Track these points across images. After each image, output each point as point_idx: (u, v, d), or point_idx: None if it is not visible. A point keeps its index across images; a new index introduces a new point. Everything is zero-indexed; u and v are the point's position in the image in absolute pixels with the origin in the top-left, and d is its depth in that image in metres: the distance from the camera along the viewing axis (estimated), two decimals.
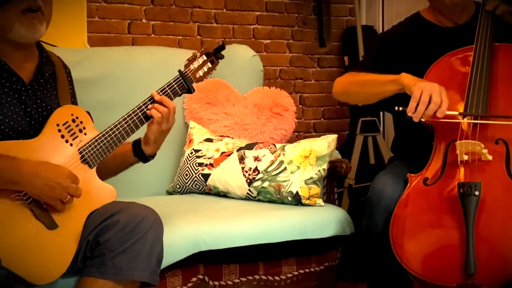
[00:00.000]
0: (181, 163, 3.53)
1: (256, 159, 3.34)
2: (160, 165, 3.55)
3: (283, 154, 3.32)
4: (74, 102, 2.94)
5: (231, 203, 3.33)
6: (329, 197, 3.42)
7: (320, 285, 3.25)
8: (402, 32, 3.35)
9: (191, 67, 2.83)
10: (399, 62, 3.11)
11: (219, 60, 2.90)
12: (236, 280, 3.02)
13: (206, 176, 3.40)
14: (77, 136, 2.65)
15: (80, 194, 2.50)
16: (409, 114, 2.81)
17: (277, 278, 3.11)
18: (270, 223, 3.07)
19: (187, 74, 2.79)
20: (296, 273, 3.14)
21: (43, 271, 2.47)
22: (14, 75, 2.58)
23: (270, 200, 3.28)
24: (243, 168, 3.34)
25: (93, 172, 2.64)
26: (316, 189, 3.22)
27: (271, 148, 3.39)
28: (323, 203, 3.25)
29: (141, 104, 2.69)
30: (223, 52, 2.92)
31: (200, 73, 2.84)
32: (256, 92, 3.78)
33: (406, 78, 2.92)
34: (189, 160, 3.48)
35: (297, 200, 3.21)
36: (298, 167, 3.25)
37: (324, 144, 3.28)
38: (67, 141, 2.62)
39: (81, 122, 2.68)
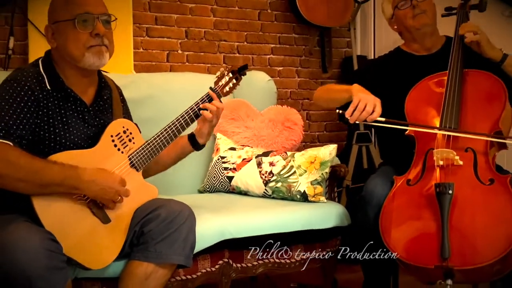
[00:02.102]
0: (210, 168, 3.50)
1: (271, 164, 3.30)
2: (193, 169, 3.60)
3: (293, 160, 3.28)
4: (126, 117, 2.92)
5: (250, 200, 3.28)
6: (330, 195, 3.39)
7: (323, 267, 3.21)
8: (385, 61, 3.36)
9: (220, 83, 2.81)
10: (381, 85, 3.09)
11: (242, 77, 2.88)
12: (255, 263, 3.00)
13: (230, 178, 3.37)
14: (127, 145, 2.64)
15: (128, 195, 2.50)
16: (347, 116, 2.82)
17: (288, 261, 3.09)
18: (282, 216, 3.05)
19: (217, 90, 2.76)
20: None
21: (98, 258, 2.49)
22: (79, 99, 2.56)
23: (282, 197, 3.24)
24: (260, 171, 3.31)
25: (139, 174, 2.64)
26: (319, 189, 3.19)
27: (283, 155, 3.34)
28: (325, 200, 3.22)
29: (179, 117, 2.70)
30: (244, 71, 2.89)
31: (227, 88, 2.82)
32: (271, 110, 3.76)
33: (354, 88, 2.94)
34: (216, 165, 3.44)
35: (304, 198, 3.17)
36: (305, 171, 3.21)
37: (326, 152, 3.25)
38: (119, 149, 2.61)
39: (131, 133, 2.67)
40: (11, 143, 2.37)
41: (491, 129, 2.74)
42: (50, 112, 2.47)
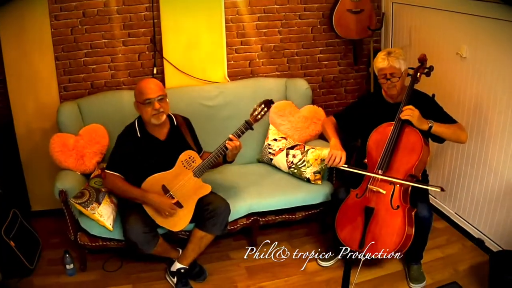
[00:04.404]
0: (263, 148, 4.00)
1: (293, 156, 3.77)
2: (255, 145, 4.08)
3: (306, 156, 3.71)
4: (195, 139, 3.37)
5: (278, 177, 3.75)
6: (330, 177, 3.80)
7: (316, 220, 3.80)
8: (369, 96, 3.58)
9: (253, 114, 3.13)
10: (362, 118, 3.33)
11: (271, 105, 3.16)
12: (274, 217, 3.60)
13: (271, 159, 3.92)
14: (191, 165, 3.17)
15: (173, 214, 3.10)
16: (325, 163, 3.25)
17: (292, 217, 3.67)
18: (289, 197, 3.58)
19: (250, 121, 3.11)
20: (303, 213, 3.70)
21: (177, 225, 3.19)
22: (155, 138, 3.15)
23: (298, 178, 3.73)
24: (287, 160, 3.80)
25: (199, 180, 3.18)
26: (318, 176, 3.68)
27: (302, 150, 3.75)
28: (321, 183, 3.67)
29: (224, 141, 3.09)
30: (270, 105, 3.15)
31: (259, 116, 3.15)
32: (306, 109, 4.06)
33: (331, 142, 3.30)
34: (265, 148, 3.97)
35: (308, 181, 3.69)
36: (311, 165, 3.67)
37: (326, 153, 3.36)
38: (187, 168, 3.16)
39: (193, 158, 3.18)
40: (119, 174, 3.14)
41: (407, 172, 3.08)
42: (141, 148, 3.10)
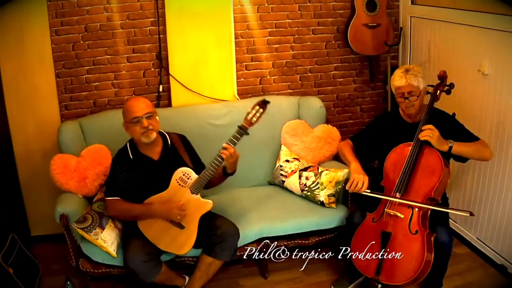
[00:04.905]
0: (274, 170, 3.96)
1: (306, 178, 3.73)
2: (266, 166, 4.04)
3: (320, 178, 3.67)
4: (193, 154, 3.32)
5: (289, 199, 3.69)
6: (345, 201, 3.74)
7: (330, 245, 3.71)
8: (387, 116, 3.56)
9: (248, 117, 3.01)
10: (380, 137, 3.31)
11: (267, 105, 3.01)
12: (286, 242, 3.54)
13: (283, 181, 3.87)
14: (186, 182, 3.12)
15: (181, 219, 3.07)
16: (347, 188, 3.23)
17: (305, 242, 3.61)
18: (305, 222, 3.52)
19: (244, 126, 2.99)
20: (317, 238, 3.64)
21: (181, 248, 3.13)
22: (148, 158, 3.13)
23: (311, 200, 3.69)
24: (299, 182, 3.76)
25: (198, 196, 3.11)
26: (333, 199, 3.64)
27: (315, 171, 3.71)
28: (335, 206, 3.62)
29: (218, 152, 3.01)
30: (266, 105, 3.02)
31: (254, 119, 3.01)
32: (319, 128, 4.02)
33: (352, 167, 3.28)
34: (277, 170, 3.92)
35: (322, 204, 3.65)
36: (325, 187, 3.64)
37: (341, 175, 3.62)
38: (182, 186, 3.13)
39: (188, 175, 3.13)
40: (118, 198, 3.13)
41: (427, 195, 3.04)
42: (135, 170, 3.11)
